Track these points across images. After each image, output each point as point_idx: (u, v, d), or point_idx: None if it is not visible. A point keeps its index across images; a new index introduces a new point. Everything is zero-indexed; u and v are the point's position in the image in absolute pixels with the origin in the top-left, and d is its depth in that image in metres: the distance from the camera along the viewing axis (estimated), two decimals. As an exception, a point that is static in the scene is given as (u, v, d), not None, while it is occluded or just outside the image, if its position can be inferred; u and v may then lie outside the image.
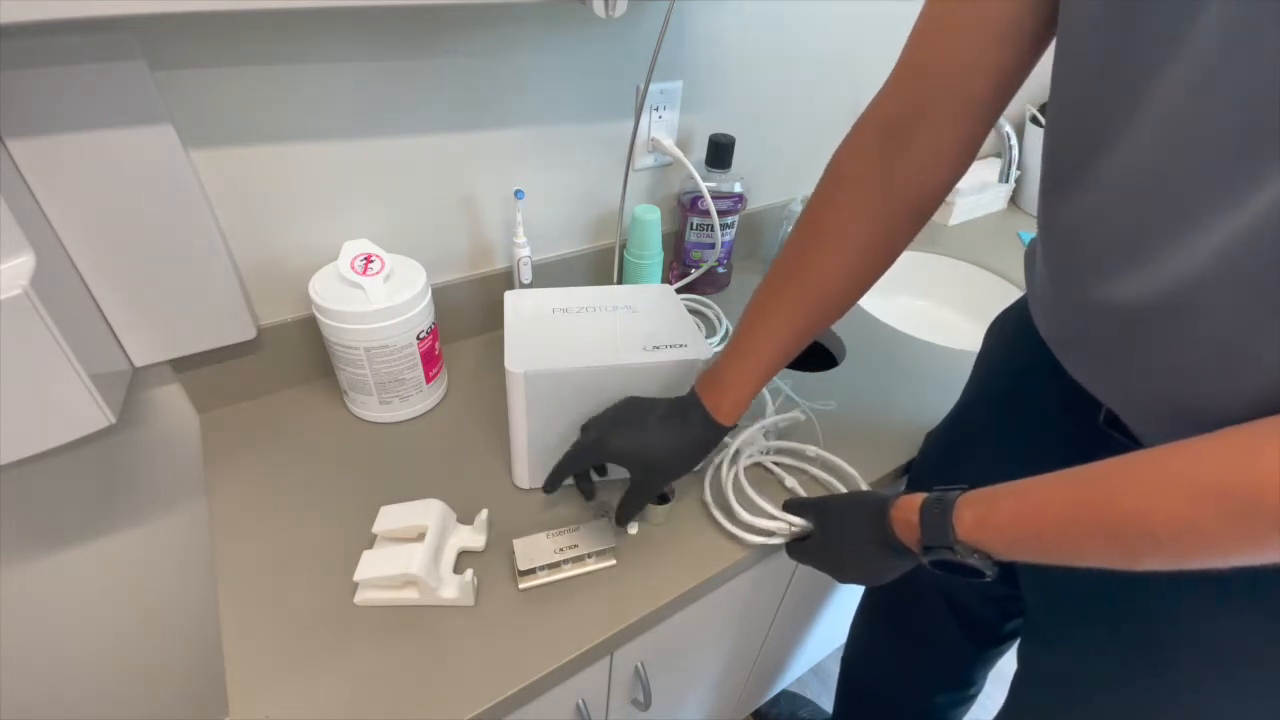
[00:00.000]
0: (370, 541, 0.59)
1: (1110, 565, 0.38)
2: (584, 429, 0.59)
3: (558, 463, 0.59)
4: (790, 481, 0.69)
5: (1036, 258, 0.53)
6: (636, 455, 0.57)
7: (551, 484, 0.60)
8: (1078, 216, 0.43)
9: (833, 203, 0.52)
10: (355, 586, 0.56)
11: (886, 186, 0.50)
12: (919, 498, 0.48)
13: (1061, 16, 0.40)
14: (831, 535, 0.58)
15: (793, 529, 0.60)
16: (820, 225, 0.53)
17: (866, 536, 0.53)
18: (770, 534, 0.61)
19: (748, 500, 0.63)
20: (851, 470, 0.69)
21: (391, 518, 0.59)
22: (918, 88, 0.47)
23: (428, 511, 0.58)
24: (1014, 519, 0.42)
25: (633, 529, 0.64)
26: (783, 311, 0.54)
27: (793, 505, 0.62)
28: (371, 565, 0.55)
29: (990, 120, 0.47)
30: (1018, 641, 0.63)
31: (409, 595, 0.56)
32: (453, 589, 0.56)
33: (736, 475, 0.65)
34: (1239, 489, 0.31)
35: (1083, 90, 0.40)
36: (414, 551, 0.55)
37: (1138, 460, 0.37)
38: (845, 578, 0.59)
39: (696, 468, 0.58)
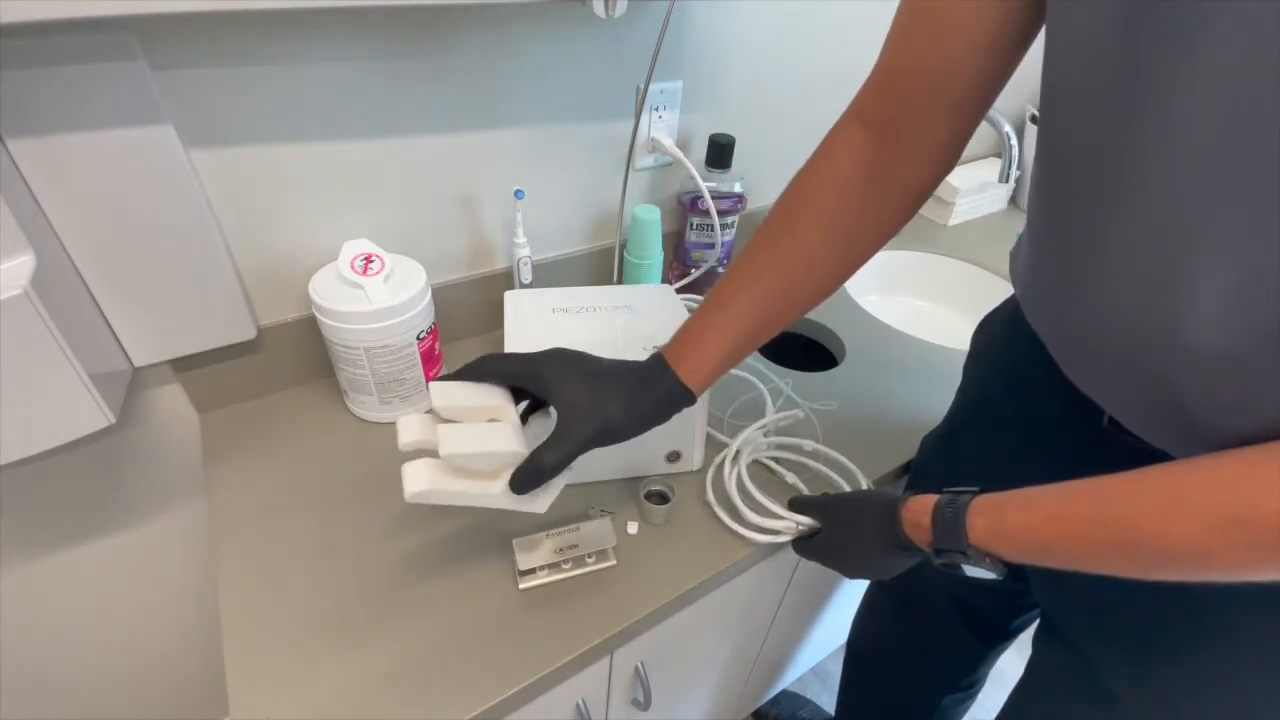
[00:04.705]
0: (372, 541, 0.59)
1: (1124, 575, 0.38)
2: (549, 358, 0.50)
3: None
4: (792, 479, 0.69)
5: (1026, 263, 0.53)
6: (586, 400, 0.47)
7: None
8: (1091, 243, 0.41)
9: (819, 185, 0.51)
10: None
11: (873, 176, 0.49)
12: (930, 499, 0.48)
13: (1051, 35, 0.39)
14: (839, 533, 0.58)
15: (799, 528, 0.60)
16: (803, 207, 0.51)
17: (875, 536, 0.52)
18: (776, 533, 0.61)
19: (751, 499, 0.63)
20: (851, 465, 0.69)
21: (453, 395, 0.47)
22: (898, 87, 0.47)
23: (501, 392, 0.49)
24: (1025, 530, 0.42)
25: (632, 528, 0.64)
26: (754, 290, 0.51)
27: (798, 503, 0.62)
28: (461, 439, 0.43)
29: (974, 119, 0.47)
30: (1020, 639, 0.62)
31: (492, 491, 0.45)
32: (540, 491, 0.48)
33: (739, 474, 0.65)
34: (1254, 518, 0.32)
35: (1087, 118, 0.39)
36: (517, 426, 0.46)
37: (1151, 479, 0.37)
38: (852, 574, 0.59)
39: (646, 430, 0.50)
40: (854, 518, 0.56)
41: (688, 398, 0.51)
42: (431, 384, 0.48)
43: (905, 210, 0.52)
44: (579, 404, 0.47)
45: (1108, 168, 0.38)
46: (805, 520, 0.60)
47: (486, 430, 0.45)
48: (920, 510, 0.48)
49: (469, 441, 0.44)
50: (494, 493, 0.46)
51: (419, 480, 0.44)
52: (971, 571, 0.46)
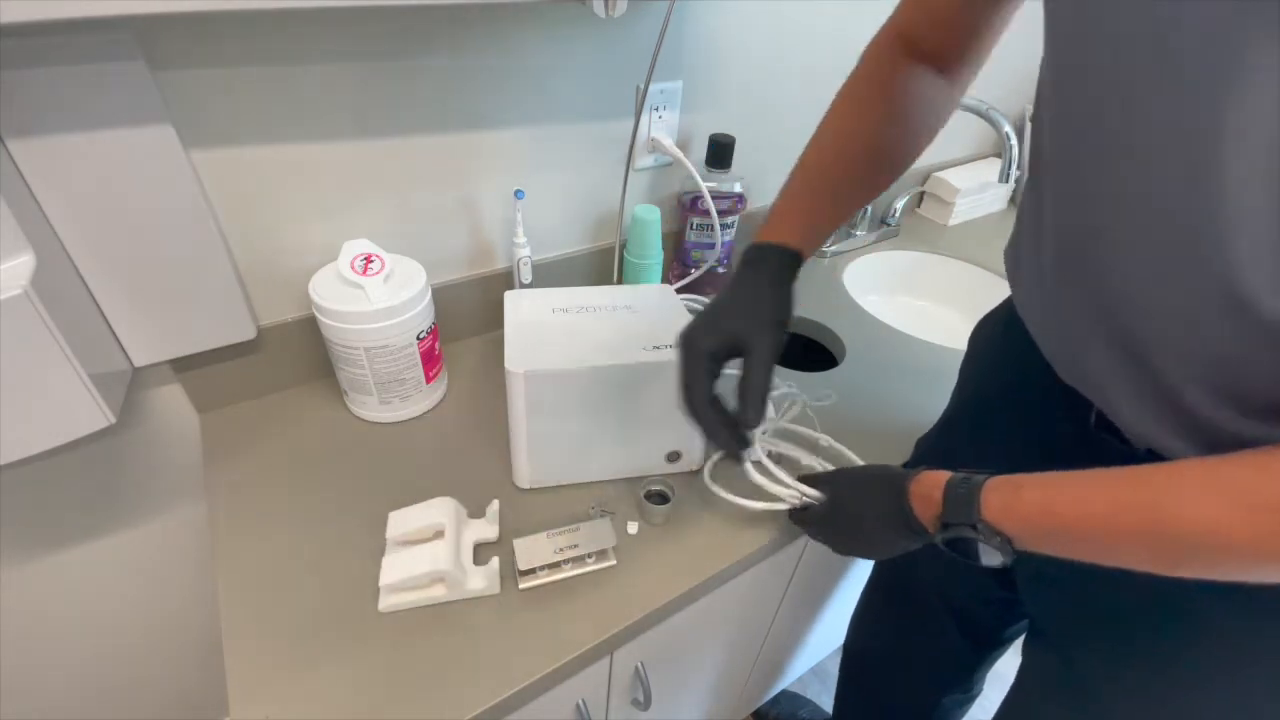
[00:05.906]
0: (373, 542, 0.59)
1: (1142, 568, 0.37)
2: (690, 338, 0.53)
3: (689, 387, 0.52)
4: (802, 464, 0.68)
5: (1022, 262, 0.53)
6: (740, 316, 0.52)
7: (740, 442, 0.53)
8: (1083, 232, 0.42)
9: (869, 75, 0.60)
10: (377, 594, 0.56)
11: (907, 77, 0.57)
12: (943, 475, 0.47)
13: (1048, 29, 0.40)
14: (841, 504, 0.56)
15: (805, 498, 0.59)
16: (858, 91, 0.59)
17: (879, 509, 0.51)
18: (779, 499, 0.59)
19: (765, 470, 0.60)
20: (855, 458, 0.69)
21: (405, 520, 0.58)
22: (918, 7, 0.56)
23: (441, 509, 0.59)
24: (1040, 510, 0.41)
25: (632, 528, 0.64)
26: (831, 158, 0.56)
27: (809, 478, 0.61)
28: (397, 568, 0.55)
29: (982, 51, 0.55)
30: (1018, 643, 0.63)
31: (437, 593, 0.56)
32: (479, 579, 0.57)
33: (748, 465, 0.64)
34: None
35: (1082, 112, 0.39)
36: (438, 548, 0.56)
37: (1186, 468, 0.36)
38: (847, 550, 0.58)
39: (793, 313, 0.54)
40: (859, 489, 0.55)
41: (795, 260, 0.54)
42: (391, 514, 0.59)
43: (944, 113, 0.59)
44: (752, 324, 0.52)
45: (1102, 161, 0.38)
46: (812, 493, 0.58)
47: (420, 552, 0.56)
48: (931, 484, 0.47)
49: (397, 570, 0.55)
50: (438, 595, 0.56)
51: (386, 599, 0.56)
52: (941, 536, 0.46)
